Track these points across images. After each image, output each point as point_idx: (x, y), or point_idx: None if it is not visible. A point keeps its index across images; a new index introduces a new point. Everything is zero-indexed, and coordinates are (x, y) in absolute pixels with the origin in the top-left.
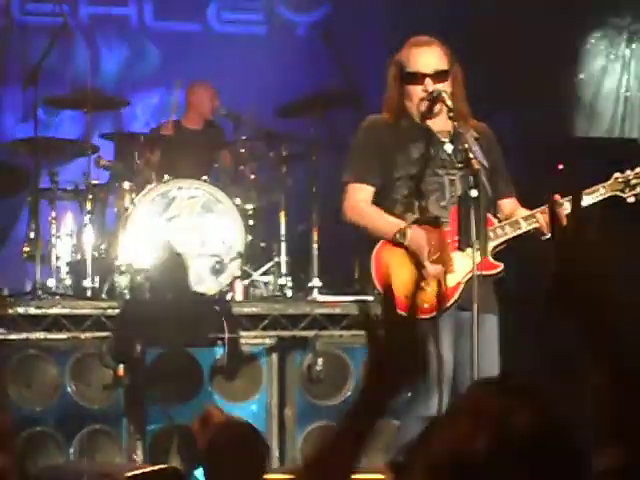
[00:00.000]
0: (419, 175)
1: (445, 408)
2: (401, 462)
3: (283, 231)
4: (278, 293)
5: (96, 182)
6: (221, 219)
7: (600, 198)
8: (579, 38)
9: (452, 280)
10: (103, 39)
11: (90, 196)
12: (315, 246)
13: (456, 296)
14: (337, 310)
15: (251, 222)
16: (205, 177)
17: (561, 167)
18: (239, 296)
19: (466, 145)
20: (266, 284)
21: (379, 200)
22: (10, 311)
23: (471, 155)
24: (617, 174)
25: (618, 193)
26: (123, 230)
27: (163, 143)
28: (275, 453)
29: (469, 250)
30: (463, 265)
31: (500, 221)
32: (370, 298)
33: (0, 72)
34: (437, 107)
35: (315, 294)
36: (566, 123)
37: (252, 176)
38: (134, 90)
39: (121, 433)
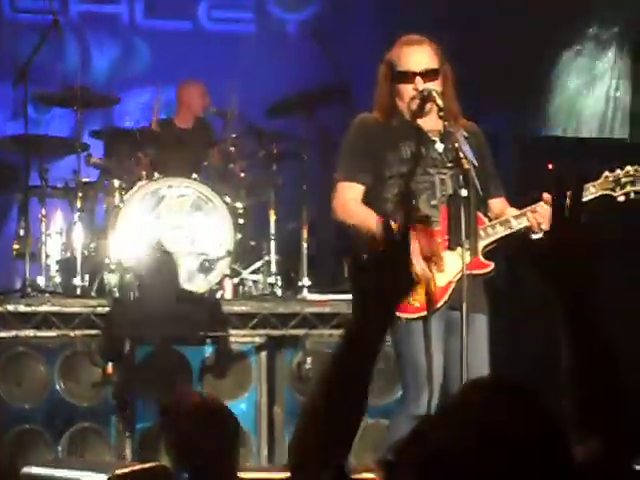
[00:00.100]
0: (410, 174)
1: (435, 407)
2: (391, 460)
3: (273, 230)
4: (268, 292)
5: (86, 180)
6: (211, 217)
7: (590, 197)
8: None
9: (443, 280)
10: (94, 37)
11: (80, 194)
12: (305, 245)
13: (446, 296)
14: (327, 309)
15: (241, 220)
16: (195, 175)
17: (551, 167)
18: (228, 294)
19: (456, 144)
20: (256, 282)
21: (370, 199)
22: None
23: (461, 154)
24: (607, 173)
25: (608, 192)
26: (113, 228)
27: (154, 141)
28: (264, 451)
29: (460, 249)
30: (454, 264)
31: (490, 220)
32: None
33: None
34: (427, 106)
35: (305, 293)
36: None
37: (242, 174)
38: (124, 88)
39: (110, 431)
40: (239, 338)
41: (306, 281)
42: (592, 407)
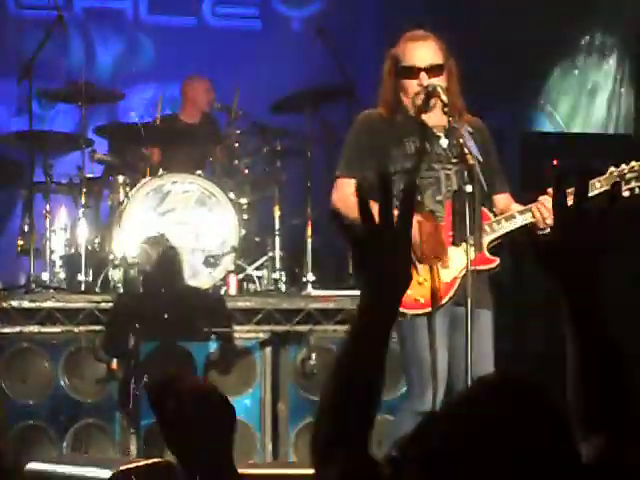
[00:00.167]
0: (414, 169)
1: (440, 403)
2: (396, 457)
3: (277, 225)
4: (272, 287)
5: (90, 176)
6: (215, 213)
7: (596, 192)
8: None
9: (448, 276)
10: (98, 33)
11: (84, 190)
12: (309, 241)
13: (451, 292)
14: (331, 305)
15: (245, 216)
16: (199, 171)
17: (556, 162)
18: (233, 290)
19: (461, 140)
20: (260, 278)
21: (374, 195)
22: (4, 304)
23: (466, 150)
24: (612, 168)
25: None
26: (117, 224)
27: (159, 137)
28: (268, 447)
29: (465, 245)
30: (459, 260)
31: (495, 216)
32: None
33: None
34: (432, 101)
35: (309, 289)
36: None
37: (246, 171)
38: (129, 84)
39: (114, 427)
40: (243, 334)
41: (310, 277)
42: (597, 404)
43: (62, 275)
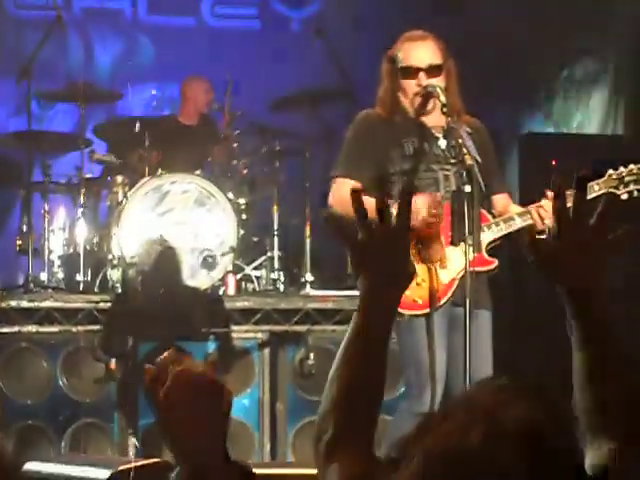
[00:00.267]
0: (413, 170)
1: (438, 404)
2: (395, 457)
3: (276, 225)
4: (270, 287)
5: (89, 176)
6: (214, 213)
7: (594, 195)
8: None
9: (446, 277)
10: (97, 33)
11: (83, 190)
12: (308, 241)
13: (450, 293)
14: (329, 305)
15: (244, 216)
16: (198, 171)
17: (554, 163)
18: (231, 290)
19: (459, 140)
20: (258, 278)
21: (373, 195)
22: (2, 304)
23: (464, 150)
24: (611, 171)
25: (612, 190)
26: (116, 224)
27: (157, 137)
28: (266, 447)
29: (463, 246)
30: (457, 261)
31: (494, 217)
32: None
33: None
34: (431, 102)
35: (308, 289)
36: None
37: (245, 171)
38: (127, 84)
39: (113, 427)
40: (242, 334)
41: (309, 277)
42: (603, 408)
43: (60, 275)
